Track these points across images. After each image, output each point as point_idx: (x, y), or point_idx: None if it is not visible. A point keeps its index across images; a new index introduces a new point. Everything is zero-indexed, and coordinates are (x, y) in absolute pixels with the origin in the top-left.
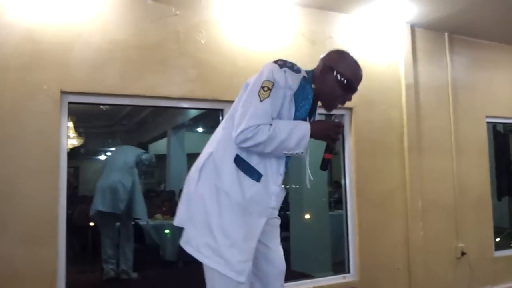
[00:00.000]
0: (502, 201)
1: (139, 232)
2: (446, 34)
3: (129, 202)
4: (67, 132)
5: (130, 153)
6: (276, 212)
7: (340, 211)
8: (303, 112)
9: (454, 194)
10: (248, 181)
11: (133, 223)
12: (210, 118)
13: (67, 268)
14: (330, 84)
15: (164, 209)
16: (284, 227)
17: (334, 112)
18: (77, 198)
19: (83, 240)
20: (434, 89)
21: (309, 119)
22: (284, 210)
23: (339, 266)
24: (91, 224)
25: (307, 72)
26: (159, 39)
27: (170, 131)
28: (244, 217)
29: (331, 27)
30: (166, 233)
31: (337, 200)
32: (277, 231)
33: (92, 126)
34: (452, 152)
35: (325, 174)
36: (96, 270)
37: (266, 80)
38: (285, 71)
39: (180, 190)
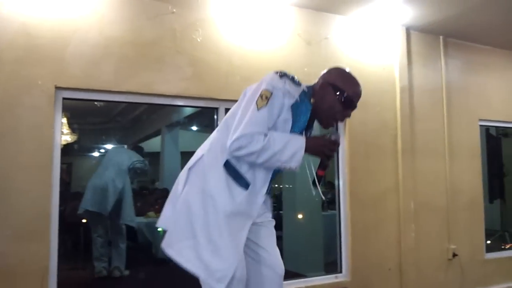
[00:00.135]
0: (494, 203)
1: (131, 230)
2: (441, 37)
3: (118, 204)
4: (61, 128)
5: (126, 157)
6: (270, 215)
7: (333, 211)
8: (300, 125)
9: (447, 196)
10: (235, 188)
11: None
12: (205, 116)
13: (58, 265)
14: (329, 99)
15: (157, 207)
16: (277, 226)
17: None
18: (70, 195)
19: (75, 237)
20: (428, 91)
21: (305, 134)
22: (277, 209)
23: (332, 266)
24: (83, 221)
25: (307, 87)
26: (155, 37)
27: (164, 129)
28: (228, 223)
29: (327, 28)
30: (159, 231)
31: (330, 201)
32: (271, 232)
33: (86, 123)
34: (445, 155)
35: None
36: (88, 267)
37: (265, 89)
38: (285, 82)
39: None
